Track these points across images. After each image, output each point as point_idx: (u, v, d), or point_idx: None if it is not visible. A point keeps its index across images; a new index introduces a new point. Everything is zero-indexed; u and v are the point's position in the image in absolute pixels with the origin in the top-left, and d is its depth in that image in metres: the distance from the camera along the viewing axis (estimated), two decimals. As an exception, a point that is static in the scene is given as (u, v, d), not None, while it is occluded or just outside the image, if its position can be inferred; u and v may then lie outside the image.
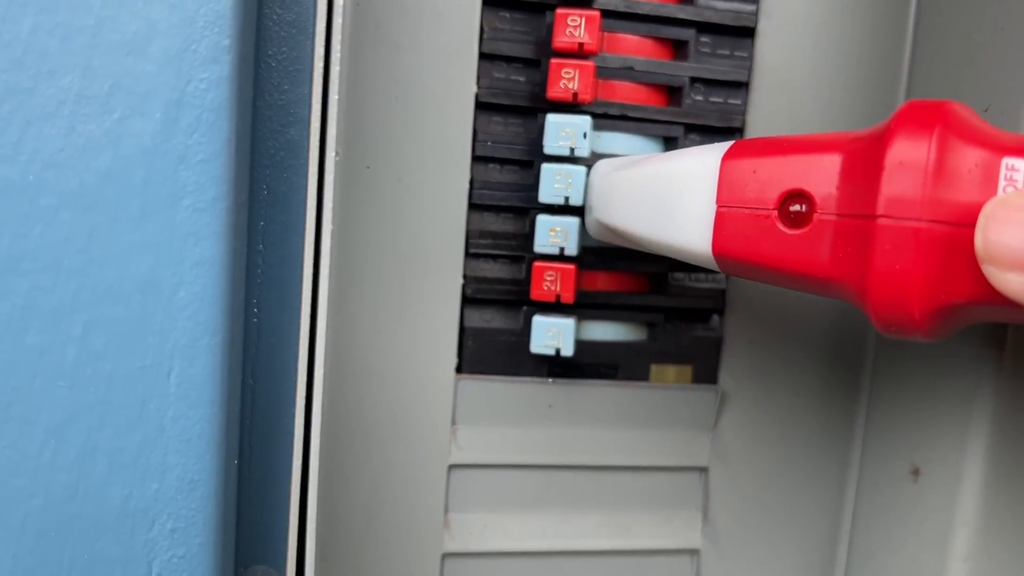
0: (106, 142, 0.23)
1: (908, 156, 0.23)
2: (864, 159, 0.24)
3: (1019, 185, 0.22)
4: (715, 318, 0.35)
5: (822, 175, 0.25)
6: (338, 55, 0.26)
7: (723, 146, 0.27)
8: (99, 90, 0.23)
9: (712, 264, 0.27)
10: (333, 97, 0.26)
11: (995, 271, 0.21)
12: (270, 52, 0.26)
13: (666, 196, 0.27)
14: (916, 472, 0.33)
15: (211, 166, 0.23)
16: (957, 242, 0.22)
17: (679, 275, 0.34)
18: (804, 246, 0.25)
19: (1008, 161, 0.22)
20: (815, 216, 0.24)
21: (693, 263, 0.28)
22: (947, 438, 0.32)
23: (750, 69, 0.34)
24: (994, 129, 0.23)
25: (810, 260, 0.25)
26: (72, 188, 0.23)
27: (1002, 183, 0.22)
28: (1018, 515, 0.30)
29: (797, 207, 0.25)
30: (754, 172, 0.26)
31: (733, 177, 0.26)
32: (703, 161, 0.27)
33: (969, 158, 0.22)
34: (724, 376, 0.35)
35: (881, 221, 0.23)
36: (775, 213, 0.25)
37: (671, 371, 0.35)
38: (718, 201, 0.26)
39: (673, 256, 0.28)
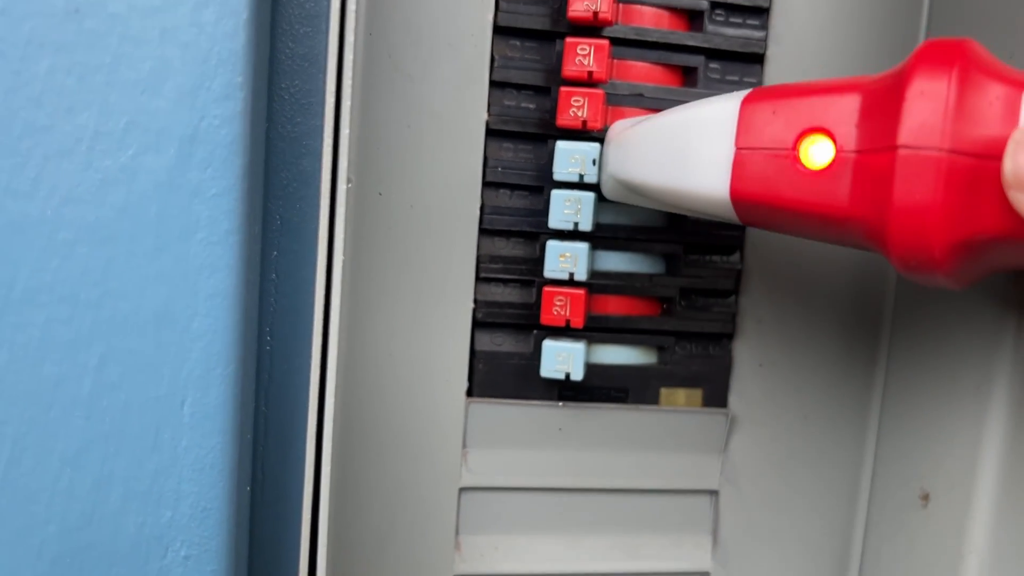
0: (122, 177, 0.23)
1: (929, 88, 0.23)
2: (884, 96, 0.24)
3: None
4: (725, 342, 0.35)
5: (842, 113, 0.24)
6: (349, 90, 0.26)
7: (741, 93, 0.27)
8: (115, 127, 0.23)
9: (730, 211, 0.27)
10: (344, 131, 0.26)
11: None
12: (283, 85, 0.27)
13: (684, 144, 0.27)
14: (926, 497, 0.33)
15: (224, 200, 0.24)
16: (979, 174, 0.22)
17: (689, 299, 0.35)
18: (823, 185, 0.24)
19: None
20: (834, 154, 0.24)
21: (711, 212, 0.27)
22: (957, 463, 0.32)
23: (759, 95, 0.34)
24: (1012, 68, 0.23)
25: (829, 199, 0.24)
26: (89, 222, 0.23)
27: None
28: (1028, 542, 0.30)
29: (816, 146, 0.25)
30: (773, 113, 0.25)
31: (752, 119, 0.26)
32: (722, 107, 0.27)
33: (990, 91, 0.22)
34: (734, 399, 0.35)
35: (901, 152, 0.23)
36: (794, 152, 0.25)
37: (681, 394, 0.35)
38: (737, 143, 0.26)
39: (691, 206, 0.28)
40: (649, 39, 0.33)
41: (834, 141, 0.24)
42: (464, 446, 0.34)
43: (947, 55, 0.23)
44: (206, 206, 0.24)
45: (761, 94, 0.26)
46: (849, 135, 0.24)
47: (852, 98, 0.25)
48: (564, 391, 0.34)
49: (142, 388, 0.24)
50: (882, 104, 0.24)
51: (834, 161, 0.24)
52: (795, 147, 0.25)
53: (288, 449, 0.28)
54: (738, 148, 0.26)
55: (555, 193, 0.32)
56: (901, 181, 0.23)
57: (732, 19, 0.33)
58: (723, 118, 0.26)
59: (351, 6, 0.26)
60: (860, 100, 0.24)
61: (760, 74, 0.34)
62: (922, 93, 0.23)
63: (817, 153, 0.25)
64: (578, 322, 0.32)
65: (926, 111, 0.22)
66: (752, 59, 0.34)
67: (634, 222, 0.34)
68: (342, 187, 0.27)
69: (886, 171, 0.23)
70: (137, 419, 0.24)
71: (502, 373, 0.34)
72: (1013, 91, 0.22)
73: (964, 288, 0.24)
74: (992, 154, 0.22)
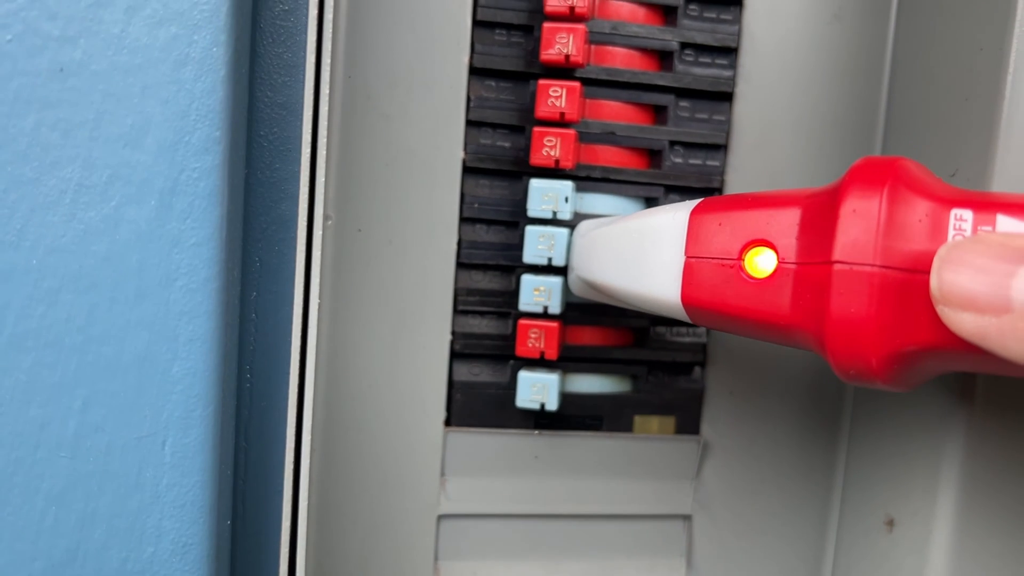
0: (104, 228, 0.24)
1: (861, 206, 0.24)
2: (821, 211, 0.25)
3: (968, 234, 0.23)
4: (697, 370, 0.36)
5: (783, 226, 0.26)
6: (324, 139, 0.27)
7: (693, 203, 0.28)
8: (98, 180, 0.24)
9: (682, 314, 0.28)
10: (320, 179, 0.27)
11: (950, 312, 0.22)
12: (262, 133, 0.28)
13: (640, 250, 0.29)
14: (891, 523, 0.34)
15: (203, 249, 0.25)
16: (910, 288, 0.23)
17: (661, 329, 0.36)
18: (766, 294, 0.26)
19: (957, 212, 0.23)
20: (776, 265, 0.26)
21: (665, 314, 0.29)
22: (919, 490, 0.33)
23: (728, 132, 0.35)
24: (943, 184, 0.25)
25: (772, 308, 0.26)
26: (72, 271, 0.24)
27: (951, 232, 0.23)
28: (987, 566, 0.31)
29: (759, 257, 0.26)
30: (720, 225, 0.27)
31: (701, 230, 0.27)
32: (674, 216, 0.28)
33: (919, 208, 0.24)
34: (706, 427, 0.36)
35: (837, 267, 0.24)
36: (739, 263, 0.26)
37: (654, 422, 0.36)
38: (687, 252, 0.27)
39: (647, 308, 0.29)
40: (620, 79, 0.34)
41: (776, 252, 0.26)
42: (442, 474, 0.35)
43: (879, 174, 0.24)
44: (186, 255, 0.25)
45: (709, 206, 0.27)
46: (790, 247, 0.25)
47: (792, 212, 0.26)
48: (540, 419, 0.35)
49: (125, 429, 0.25)
50: (819, 219, 0.25)
51: (776, 272, 0.26)
52: (740, 257, 0.26)
53: (268, 482, 0.29)
54: (688, 257, 0.27)
55: (529, 229, 0.33)
56: (837, 295, 0.24)
57: (701, 59, 0.34)
58: (674, 227, 0.28)
59: (326, 59, 0.27)
60: (800, 214, 0.26)
61: (729, 112, 0.35)
62: (855, 211, 0.24)
63: (761, 263, 0.26)
64: (552, 354, 0.33)
65: (858, 228, 0.24)
66: (721, 97, 0.35)
67: (607, 256, 0.35)
68: (319, 235, 0.28)
69: (823, 284, 0.24)
70: (120, 459, 0.25)
71: (479, 403, 0.35)
72: (941, 208, 0.23)
73: (907, 391, 0.25)
74: (923, 268, 0.23)
